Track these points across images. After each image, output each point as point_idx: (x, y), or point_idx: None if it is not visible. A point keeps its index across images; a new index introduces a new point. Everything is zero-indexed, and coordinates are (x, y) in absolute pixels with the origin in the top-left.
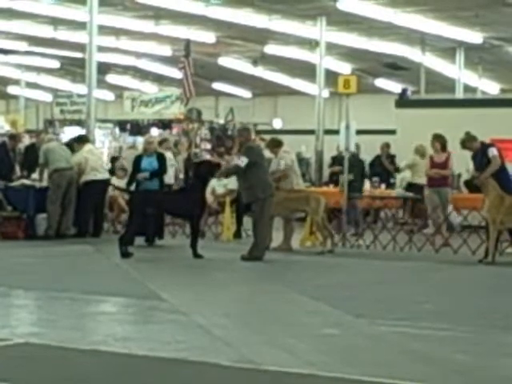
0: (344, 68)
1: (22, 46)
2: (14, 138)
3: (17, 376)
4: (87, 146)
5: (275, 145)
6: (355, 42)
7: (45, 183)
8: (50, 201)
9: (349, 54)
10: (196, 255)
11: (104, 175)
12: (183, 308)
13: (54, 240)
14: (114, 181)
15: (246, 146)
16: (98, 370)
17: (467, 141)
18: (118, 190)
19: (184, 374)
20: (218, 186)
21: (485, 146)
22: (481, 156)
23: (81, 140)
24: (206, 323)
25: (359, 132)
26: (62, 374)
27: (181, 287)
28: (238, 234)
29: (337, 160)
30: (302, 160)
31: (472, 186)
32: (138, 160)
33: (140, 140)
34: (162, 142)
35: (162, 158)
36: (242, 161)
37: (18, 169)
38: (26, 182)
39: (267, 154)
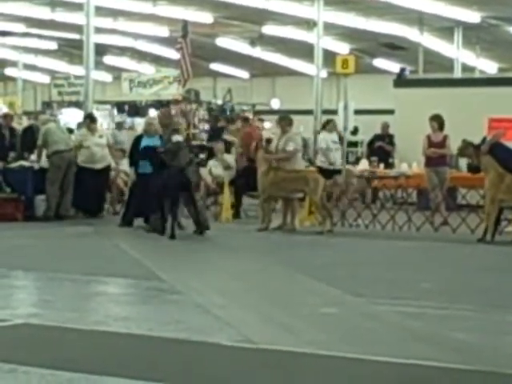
0: (342, 48)
1: (20, 27)
2: (6, 117)
3: (17, 356)
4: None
5: (288, 123)
6: (353, 22)
7: (43, 164)
8: (49, 182)
9: (346, 33)
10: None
11: None
12: (183, 288)
13: (53, 221)
14: (111, 162)
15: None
16: (98, 350)
17: (464, 148)
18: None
19: (184, 353)
20: (215, 166)
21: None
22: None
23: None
24: (206, 303)
25: (357, 112)
26: (61, 355)
27: (180, 267)
28: (236, 215)
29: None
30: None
31: (474, 168)
32: (137, 140)
33: (138, 121)
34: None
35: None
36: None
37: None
38: (25, 163)
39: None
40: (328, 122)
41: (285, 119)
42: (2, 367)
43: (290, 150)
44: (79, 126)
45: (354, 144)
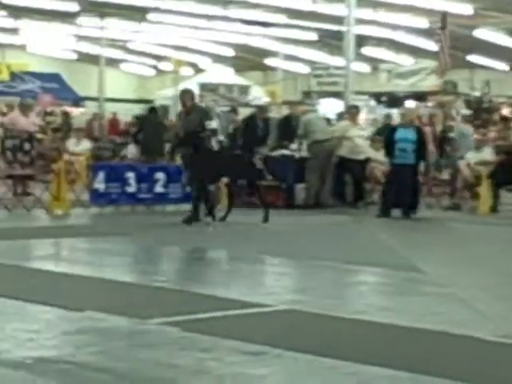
0: None
1: (281, 18)
2: (262, 109)
3: (283, 342)
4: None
5: None
6: None
7: (304, 154)
8: (309, 171)
9: None
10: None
11: None
12: (441, 280)
13: (313, 209)
14: (371, 153)
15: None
16: (361, 339)
17: None
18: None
19: (445, 346)
20: (473, 158)
21: None
22: None
23: None
24: (466, 296)
25: None
26: (325, 342)
27: (437, 259)
28: (494, 209)
29: None
30: None
31: None
32: (392, 131)
33: (395, 112)
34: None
35: (420, 132)
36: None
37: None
38: (286, 152)
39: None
40: None
41: None
42: (270, 352)
43: None
44: (339, 116)
45: None
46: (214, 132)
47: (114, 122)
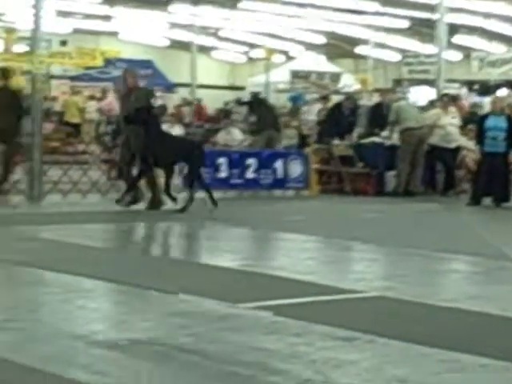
0: None
1: (373, 6)
2: (349, 97)
3: (375, 328)
4: None
5: None
6: None
7: (394, 141)
8: (399, 159)
9: None
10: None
11: None
12: None
13: (402, 197)
14: (462, 141)
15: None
16: (452, 326)
17: None
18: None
19: None
20: None
21: None
22: None
23: None
24: None
25: None
26: (417, 328)
27: None
28: None
29: None
30: None
31: None
32: (482, 120)
33: (486, 100)
34: None
35: (511, 120)
36: None
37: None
38: (376, 139)
39: None
40: None
41: None
42: (362, 337)
43: None
44: (430, 104)
45: None
46: (163, 109)
47: (199, 108)
